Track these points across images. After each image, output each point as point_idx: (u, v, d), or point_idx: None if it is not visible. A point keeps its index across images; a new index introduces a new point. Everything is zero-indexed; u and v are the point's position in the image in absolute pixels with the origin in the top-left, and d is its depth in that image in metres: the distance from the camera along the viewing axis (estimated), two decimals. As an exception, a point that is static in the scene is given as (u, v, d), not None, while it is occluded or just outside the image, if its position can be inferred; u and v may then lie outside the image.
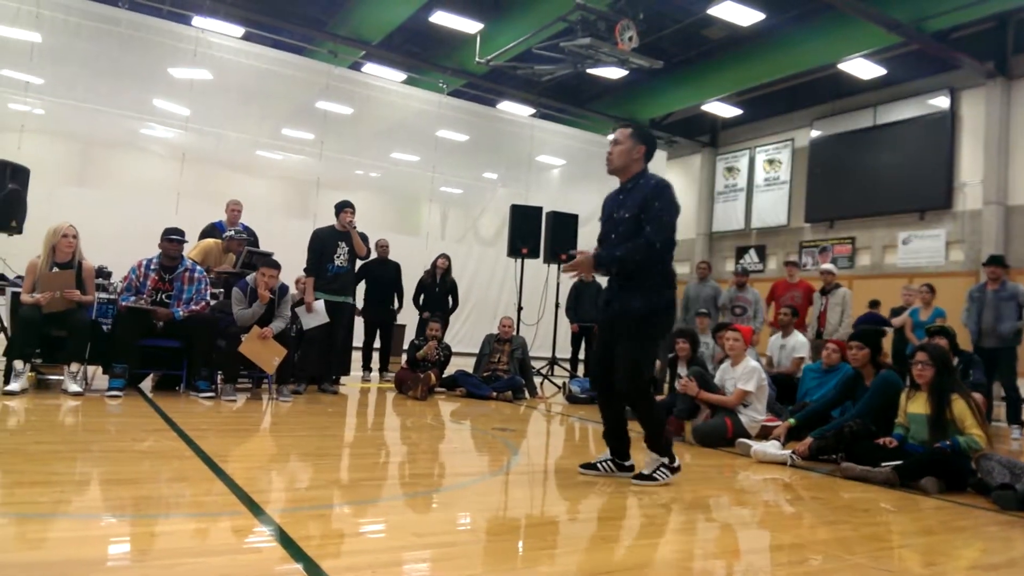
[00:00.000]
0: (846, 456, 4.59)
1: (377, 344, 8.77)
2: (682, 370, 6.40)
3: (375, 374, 8.76)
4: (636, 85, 16.21)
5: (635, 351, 3.65)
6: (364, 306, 8.35)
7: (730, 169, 18.91)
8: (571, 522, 3.08)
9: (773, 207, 17.67)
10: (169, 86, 12.12)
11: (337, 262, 6.85)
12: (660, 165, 17.63)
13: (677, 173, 19.59)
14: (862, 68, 13.90)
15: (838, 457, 4.68)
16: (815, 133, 16.71)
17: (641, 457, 3.89)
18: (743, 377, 5.46)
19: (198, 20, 12.77)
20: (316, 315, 6.62)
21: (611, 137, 3.85)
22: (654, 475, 3.75)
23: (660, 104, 17.01)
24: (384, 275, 8.49)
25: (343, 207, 7.00)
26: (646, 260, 3.59)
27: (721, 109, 17.05)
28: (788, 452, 4.76)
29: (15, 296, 5.73)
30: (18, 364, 5.30)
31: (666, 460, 3.78)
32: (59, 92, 11.17)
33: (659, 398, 7.03)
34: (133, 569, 2.14)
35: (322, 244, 6.83)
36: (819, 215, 16.53)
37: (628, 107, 17.09)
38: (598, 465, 3.93)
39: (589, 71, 13.28)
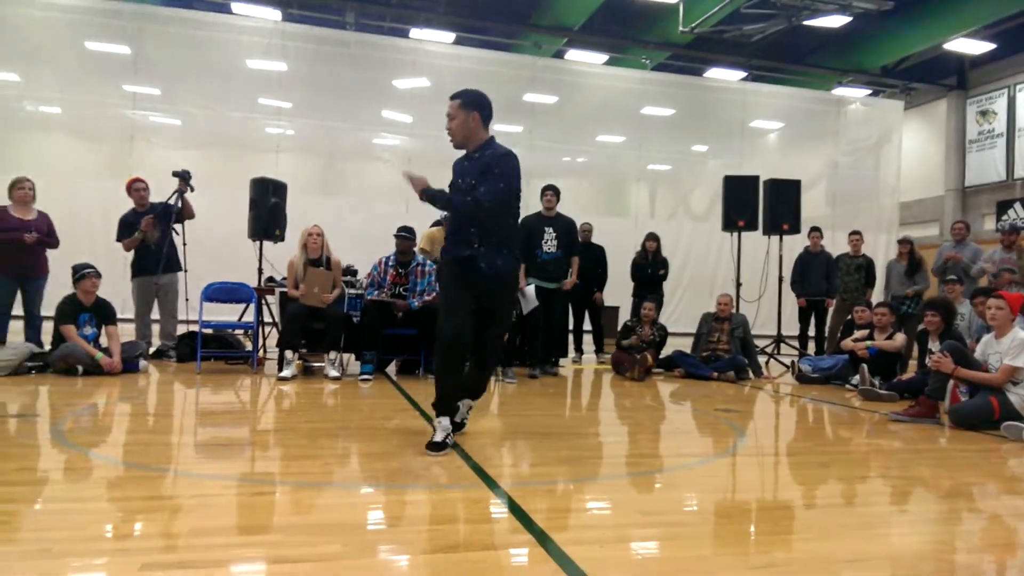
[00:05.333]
0: None
1: (588, 326, 8.88)
2: (933, 345, 5.75)
3: (588, 356, 8.89)
4: (861, 31, 14.65)
5: (510, 311, 3.80)
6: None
7: (984, 113, 16.45)
8: (807, 508, 2.92)
9: (1043, 152, 15.12)
10: (394, 97, 13.23)
11: (546, 248, 6.95)
12: (897, 117, 15.85)
13: (918, 124, 17.45)
14: None
15: None
16: (1097, 59, 13.99)
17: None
18: (1012, 351, 4.76)
19: (415, 32, 13.78)
20: (527, 300, 6.84)
21: (446, 113, 3.75)
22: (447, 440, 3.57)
23: (891, 48, 15.24)
24: (587, 258, 8.55)
25: (544, 191, 7.12)
26: (471, 216, 3.61)
27: (969, 46, 14.80)
28: (1074, 436, 4.09)
29: (283, 295, 6.64)
30: (288, 354, 6.17)
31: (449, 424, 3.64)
32: (305, 113, 12.69)
33: (907, 376, 6.38)
34: (388, 533, 2.40)
35: (529, 231, 6.93)
36: (1107, 156, 13.85)
37: (853, 56, 15.54)
38: (447, 442, 3.51)
39: (806, 23, 12.28)
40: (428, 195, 3.67)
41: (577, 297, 8.49)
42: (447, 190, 3.77)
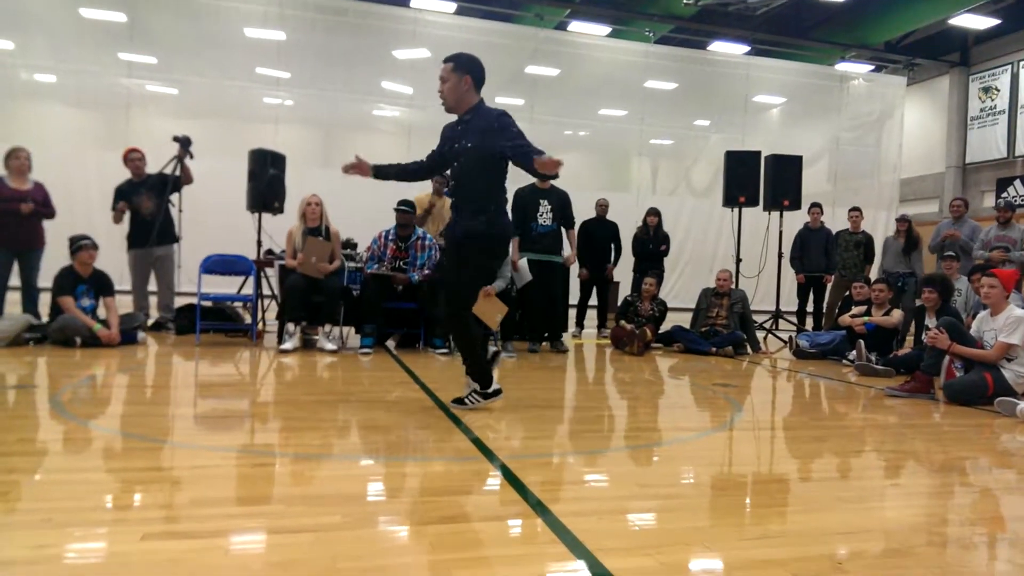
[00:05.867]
0: None
1: (594, 301, 8.89)
2: (930, 321, 5.77)
3: (589, 331, 8.91)
4: (866, 5, 14.48)
5: (470, 271, 3.80)
6: (583, 264, 8.44)
7: (987, 89, 16.33)
8: (803, 481, 2.95)
9: (1046, 129, 15.03)
10: (393, 67, 13.08)
11: (541, 220, 6.86)
12: (899, 92, 15.72)
13: (920, 99, 17.31)
14: None
15: None
16: (1104, 34, 13.84)
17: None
18: (1006, 328, 4.78)
19: (416, 1, 13.57)
20: (521, 274, 6.81)
21: (439, 76, 3.82)
22: (465, 400, 3.92)
23: (896, 23, 15.04)
24: (602, 234, 8.55)
25: None
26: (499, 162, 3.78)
27: (973, 21, 14.62)
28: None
29: (282, 268, 6.63)
30: (289, 326, 6.18)
31: (477, 386, 3.91)
32: (304, 83, 12.56)
33: (903, 351, 6.40)
34: (389, 504, 2.42)
35: (524, 203, 6.80)
36: (1110, 133, 13.77)
37: (857, 31, 15.35)
38: (466, 401, 3.94)
39: (810, -3, 12.13)
40: (378, 171, 4.08)
41: (590, 273, 8.51)
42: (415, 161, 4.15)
